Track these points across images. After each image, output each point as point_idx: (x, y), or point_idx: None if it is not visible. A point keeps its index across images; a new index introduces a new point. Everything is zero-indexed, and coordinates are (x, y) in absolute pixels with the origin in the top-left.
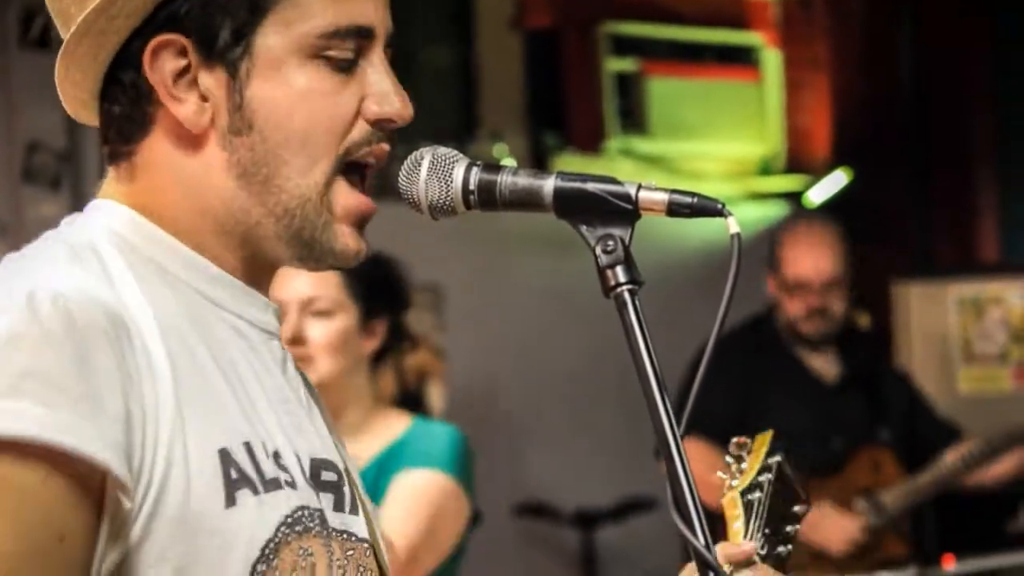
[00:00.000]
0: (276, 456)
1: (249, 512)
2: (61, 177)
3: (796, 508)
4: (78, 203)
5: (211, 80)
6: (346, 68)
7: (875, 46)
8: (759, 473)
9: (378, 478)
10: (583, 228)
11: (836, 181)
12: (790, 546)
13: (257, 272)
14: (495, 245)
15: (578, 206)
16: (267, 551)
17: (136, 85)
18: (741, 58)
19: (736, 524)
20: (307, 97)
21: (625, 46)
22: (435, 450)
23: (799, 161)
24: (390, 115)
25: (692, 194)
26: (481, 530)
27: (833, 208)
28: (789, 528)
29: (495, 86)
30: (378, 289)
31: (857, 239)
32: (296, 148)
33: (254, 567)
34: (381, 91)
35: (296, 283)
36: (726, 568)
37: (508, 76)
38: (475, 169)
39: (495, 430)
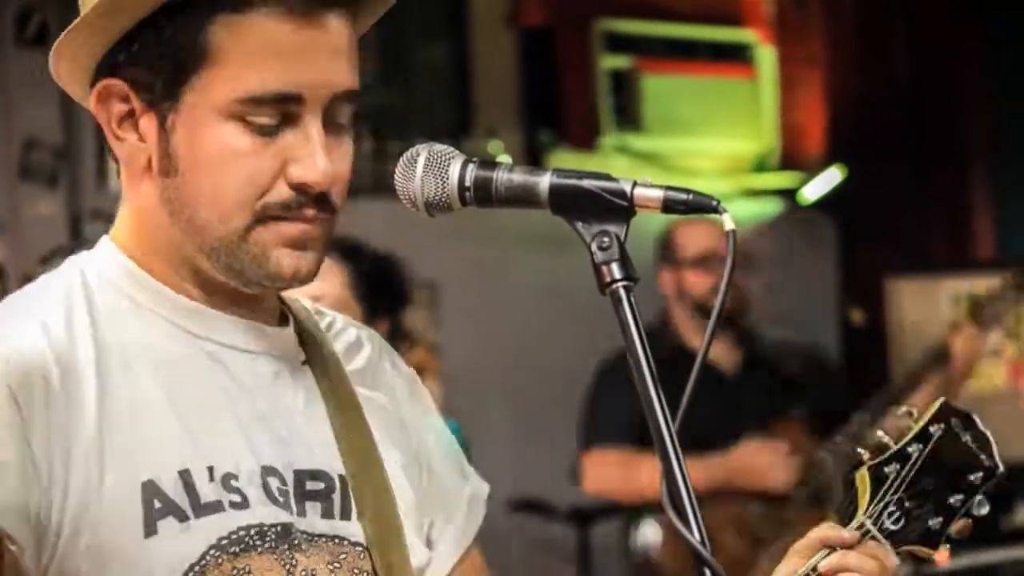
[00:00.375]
0: (226, 479)
1: (171, 540)
2: (58, 174)
3: (972, 476)
4: (74, 200)
5: (146, 124)
6: (267, 132)
7: (869, 43)
8: (908, 444)
9: None
10: (579, 225)
11: (830, 178)
12: (953, 517)
13: (232, 295)
14: (491, 242)
15: (574, 203)
16: (192, 573)
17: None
18: (736, 55)
19: (859, 500)
20: (221, 156)
21: (620, 43)
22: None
23: (794, 158)
24: (307, 181)
25: (687, 191)
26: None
27: (828, 205)
28: (954, 498)
29: (490, 83)
30: (381, 289)
31: (851, 236)
32: (209, 200)
33: None
34: (301, 157)
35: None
36: (820, 552)
37: (503, 73)
38: (471, 166)
39: (490, 426)
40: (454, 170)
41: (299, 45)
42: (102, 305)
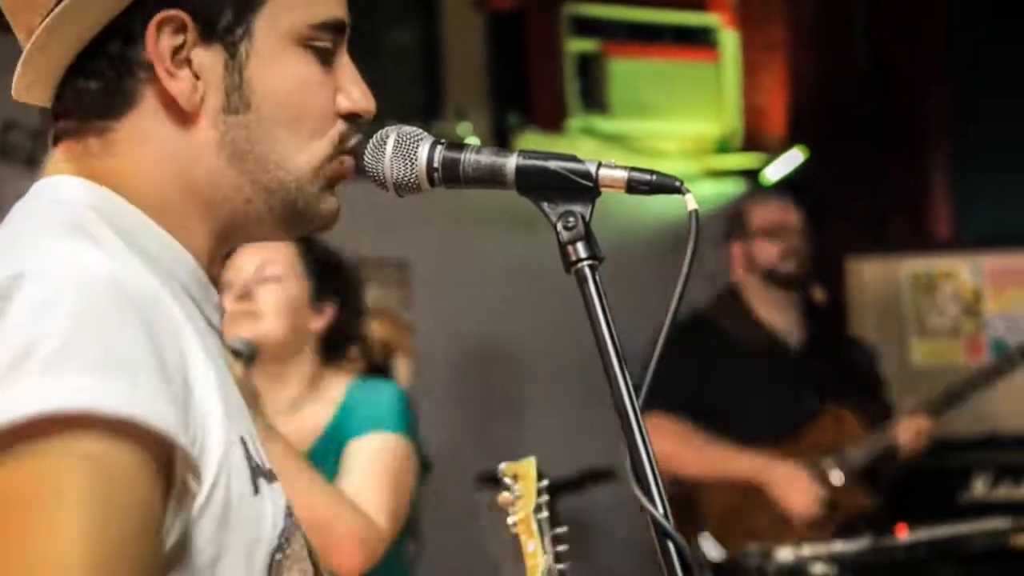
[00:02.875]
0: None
1: (267, 501)
2: (36, 154)
3: (560, 529)
4: None
5: (207, 58)
6: (326, 60)
7: (831, 27)
8: (538, 495)
9: (329, 445)
10: (545, 205)
11: (792, 159)
12: (566, 564)
13: (218, 261)
14: (462, 221)
15: (540, 183)
16: (282, 538)
17: (124, 58)
18: (699, 39)
19: (531, 545)
20: (301, 85)
21: (586, 27)
22: (382, 412)
23: (756, 140)
24: (361, 109)
25: (651, 172)
26: (446, 500)
27: (789, 185)
28: (561, 547)
29: (459, 66)
30: (329, 272)
31: (812, 216)
32: (288, 133)
33: (273, 555)
34: (348, 86)
35: (250, 249)
36: None
37: (472, 56)
38: (439, 147)
39: (460, 403)
40: (422, 151)
41: None
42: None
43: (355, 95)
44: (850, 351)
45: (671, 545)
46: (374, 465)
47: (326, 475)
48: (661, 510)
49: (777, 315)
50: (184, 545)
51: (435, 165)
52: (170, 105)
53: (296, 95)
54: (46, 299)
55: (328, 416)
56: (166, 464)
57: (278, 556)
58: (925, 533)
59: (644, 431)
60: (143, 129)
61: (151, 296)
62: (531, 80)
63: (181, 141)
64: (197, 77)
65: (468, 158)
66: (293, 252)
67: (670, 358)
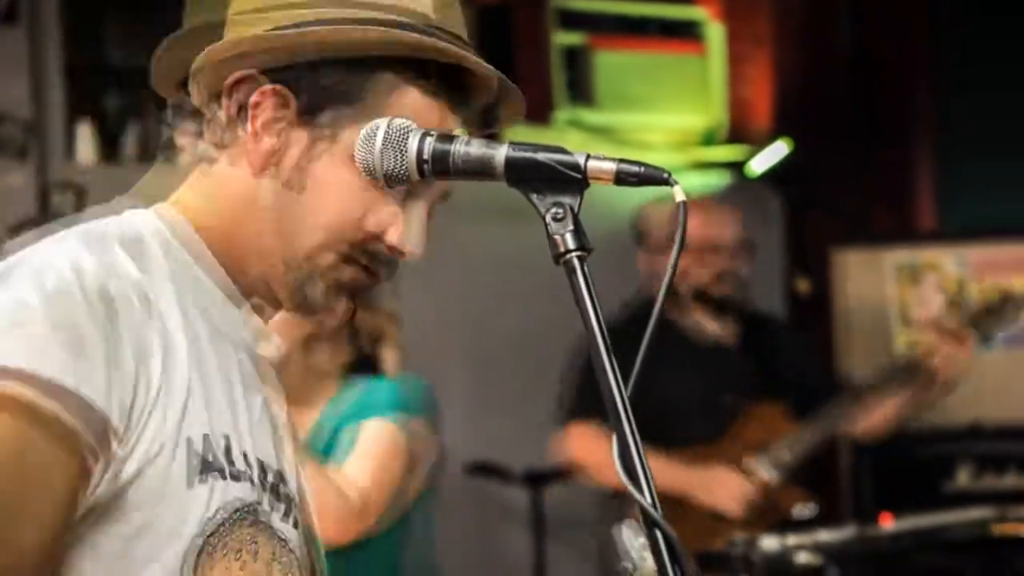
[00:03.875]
0: (245, 456)
1: (211, 492)
2: (27, 147)
3: None
4: (43, 172)
5: (296, 137)
6: (391, 192)
7: (816, 21)
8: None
9: (332, 440)
10: (534, 196)
11: (777, 151)
12: None
13: (251, 297)
14: (451, 212)
15: (529, 175)
16: (222, 528)
17: (244, 106)
18: (685, 32)
19: None
20: (351, 195)
21: (573, 20)
22: (378, 400)
23: (741, 132)
24: (405, 250)
25: (639, 164)
26: (434, 489)
27: (775, 178)
28: None
29: None
30: None
31: (798, 207)
32: (318, 226)
33: (207, 539)
34: (407, 226)
35: None
36: None
37: None
38: (429, 139)
39: (448, 393)
40: (412, 143)
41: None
42: (172, 262)
43: (411, 234)
44: (781, 344)
45: (659, 534)
46: (364, 447)
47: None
48: (649, 499)
49: (703, 316)
50: (112, 505)
51: (425, 157)
52: (250, 160)
53: (341, 201)
54: (28, 283)
55: (323, 409)
56: (101, 429)
57: (212, 540)
58: (909, 522)
59: (632, 421)
60: (229, 171)
61: (126, 297)
62: (519, 73)
63: (246, 190)
64: (280, 148)
65: (458, 150)
66: None
67: (593, 365)
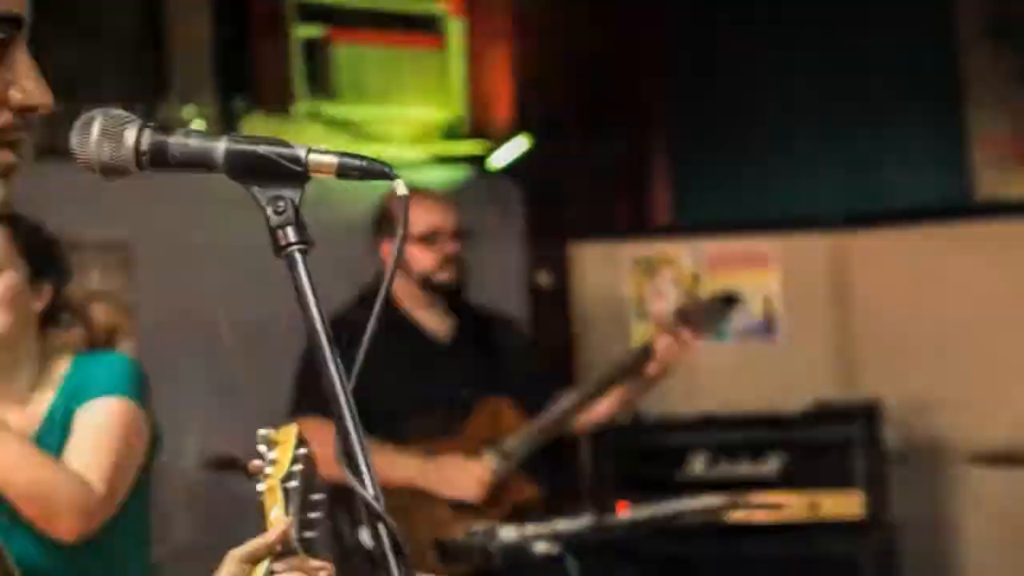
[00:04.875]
0: None
1: None
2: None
3: (316, 496)
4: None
5: None
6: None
7: (555, 18)
8: (292, 463)
9: (63, 420)
10: (255, 189)
11: (517, 146)
12: (316, 532)
13: None
14: (186, 203)
15: (250, 168)
16: None
17: None
18: (426, 26)
19: (275, 512)
20: None
21: (312, 13)
22: (109, 378)
23: (482, 127)
24: (35, 103)
25: (362, 157)
26: (171, 483)
27: (514, 172)
28: (313, 514)
29: (184, 49)
30: (42, 251)
31: (537, 202)
32: None
33: None
34: (28, 80)
35: None
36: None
37: (197, 39)
38: (147, 131)
39: (184, 387)
40: (130, 134)
41: None
42: None
43: (29, 87)
44: (502, 338)
45: (382, 526)
46: (101, 430)
47: (56, 447)
48: (372, 492)
49: (424, 312)
50: None
51: (143, 148)
52: None
53: None
54: None
55: (54, 394)
56: None
57: None
58: (645, 511)
59: (355, 414)
60: None
61: None
62: (258, 64)
63: None
64: None
65: (176, 142)
66: (4, 237)
67: (318, 361)
